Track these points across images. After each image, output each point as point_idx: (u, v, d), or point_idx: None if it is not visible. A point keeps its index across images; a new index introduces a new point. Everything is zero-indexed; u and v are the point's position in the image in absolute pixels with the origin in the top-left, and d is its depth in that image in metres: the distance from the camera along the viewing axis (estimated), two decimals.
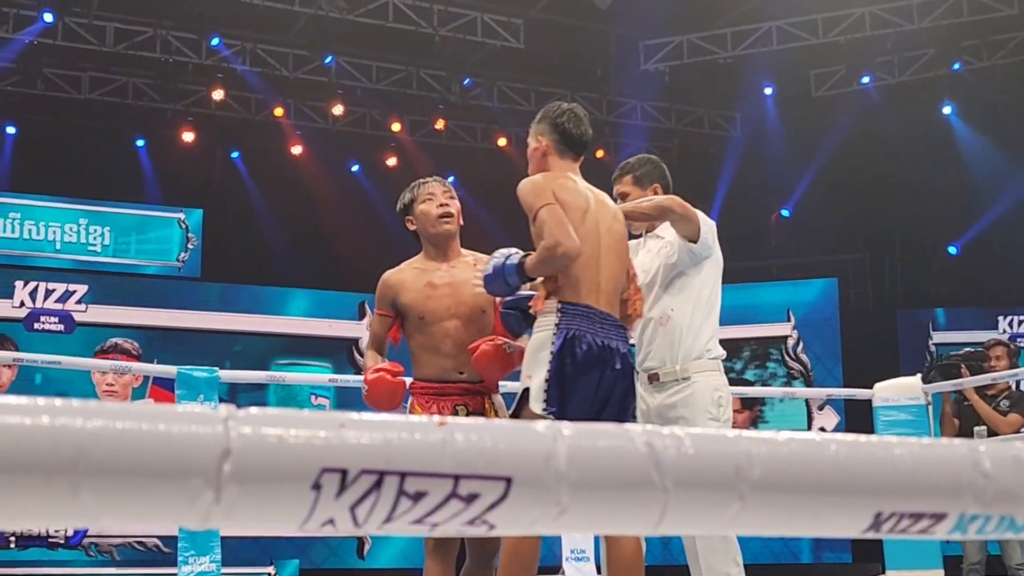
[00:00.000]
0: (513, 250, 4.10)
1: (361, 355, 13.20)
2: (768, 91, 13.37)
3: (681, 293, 4.69)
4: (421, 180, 4.64)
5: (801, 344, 13.07)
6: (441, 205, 4.47)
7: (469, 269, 4.47)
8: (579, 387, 3.83)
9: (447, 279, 4.45)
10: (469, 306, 4.39)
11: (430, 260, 4.53)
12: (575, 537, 6.79)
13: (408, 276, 4.49)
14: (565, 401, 3.81)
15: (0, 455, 1.01)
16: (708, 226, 4.71)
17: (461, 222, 4.51)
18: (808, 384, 12.77)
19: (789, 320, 13.07)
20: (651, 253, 4.83)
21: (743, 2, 12.15)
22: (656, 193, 4.83)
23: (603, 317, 3.92)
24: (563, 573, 6.70)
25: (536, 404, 3.83)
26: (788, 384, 12.88)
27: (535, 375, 3.86)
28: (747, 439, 1.31)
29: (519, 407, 3.91)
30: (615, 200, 4.65)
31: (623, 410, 3.96)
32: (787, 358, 13.03)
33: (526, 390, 3.88)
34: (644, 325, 4.66)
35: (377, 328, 4.55)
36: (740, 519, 1.29)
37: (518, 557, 3.81)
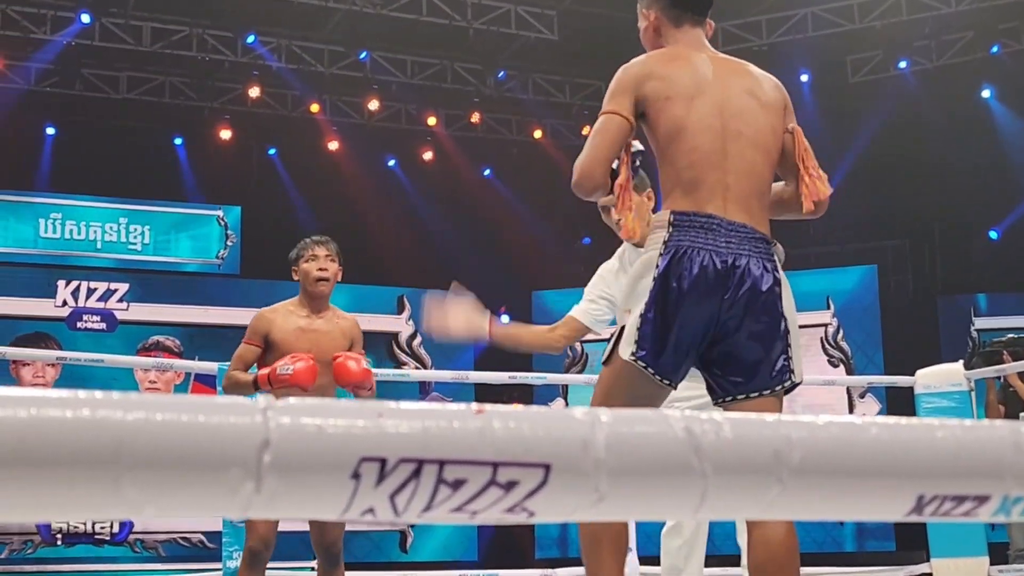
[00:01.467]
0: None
1: (401, 349, 13.25)
2: (804, 78, 13.29)
3: None
4: (311, 239, 5.19)
5: (841, 332, 13.01)
6: (320, 269, 5.04)
7: (331, 323, 5.09)
8: (688, 324, 2.98)
9: (312, 327, 5.02)
10: (323, 357, 4.89)
11: (303, 308, 5.08)
12: None
13: (280, 316, 5.03)
14: (664, 345, 2.99)
15: (43, 448, 1.02)
16: None
17: (339, 279, 5.09)
18: (849, 372, 12.71)
19: (829, 308, 13.00)
20: None
21: None
22: None
23: (731, 228, 3.01)
24: None
25: (626, 348, 3.04)
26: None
27: (633, 309, 3.04)
28: (787, 423, 1.30)
29: (611, 352, 3.14)
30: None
31: (759, 358, 3.02)
32: (827, 346, 12.97)
33: (622, 329, 3.10)
34: None
35: (246, 355, 5.02)
36: (780, 503, 1.29)
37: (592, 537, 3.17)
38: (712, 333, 3.00)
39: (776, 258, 3.12)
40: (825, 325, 13.02)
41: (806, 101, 13.52)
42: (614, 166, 3.13)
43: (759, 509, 1.30)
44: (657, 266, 2.99)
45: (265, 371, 4.78)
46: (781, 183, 3.32)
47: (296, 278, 5.14)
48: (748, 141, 3.10)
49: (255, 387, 4.78)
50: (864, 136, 13.14)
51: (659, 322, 2.97)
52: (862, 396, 12.67)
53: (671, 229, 3.01)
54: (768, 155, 3.14)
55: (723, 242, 2.99)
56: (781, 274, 3.11)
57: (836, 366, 12.90)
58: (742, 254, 3.00)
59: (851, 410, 12.65)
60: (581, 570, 5.83)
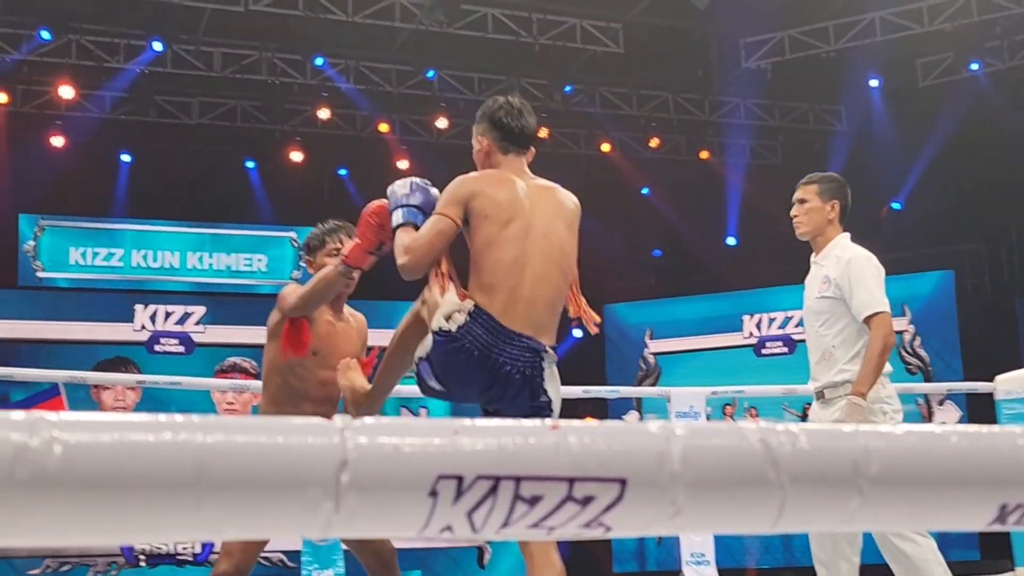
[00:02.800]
0: (418, 191, 3.84)
1: None
2: (874, 83, 13.16)
3: (836, 325, 4.80)
4: (328, 228, 4.66)
5: (918, 339, 12.83)
6: None
7: (349, 328, 4.62)
8: (462, 385, 3.64)
9: (337, 325, 4.57)
10: (343, 356, 4.38)
11: (331, 307, 4.57)
12: (694, 540, 6.75)
13: (315, 314, 4.50)
14: (445, 381, 3.63)
15: (126, 472, 1.04)
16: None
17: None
18: (927, 379, 12.53)
19: (905, 315, 12.83)
20: (812, 284, 4.98)
21: None
22: (833, 210, 4.98)
23: (511, 338, 3.58)
24: None
25: (422, 348, 3.66)
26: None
27: (424, 341, 3.65)
28: (864, 433, 1.29)
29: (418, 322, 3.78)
30: (792, 204, 4.95)
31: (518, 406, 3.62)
32: (904, 354, 12.80)
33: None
34: (814, 356, 4.85)
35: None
36: (860, 514, 1.28)
37: None
38: (477, 397, 3.66)
39: (545, 362, 3.65)
40: (901, 332, 12.86)
41: (876, 106, 13.39)
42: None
43: (839, 520, 1.29)
44: (445, 335, 3.57)
45: (347, 248, 4.21)
46: None
47: (312, 270, 4.57)
48: (548, 259, 3.69)
49: (343, 265, 4.17)
50: (936, 139, 12.97)
51: (443, 387, 3.64)
52: (941, 403, 12.49)
53: (468, 316, 3.57)
54: (562, 270, 3.76)
55: (497, 348, 3.56)
56: (545, 372, 3.65)
57: (914, 374, 12.72)
58: (508, 362, 3.57)
59: (930, 418, 12.47)
60: None
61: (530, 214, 3.71)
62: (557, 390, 3.70)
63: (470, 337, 3.54)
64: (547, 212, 3.78)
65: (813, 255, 5.04)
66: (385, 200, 3.95)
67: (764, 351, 12.82)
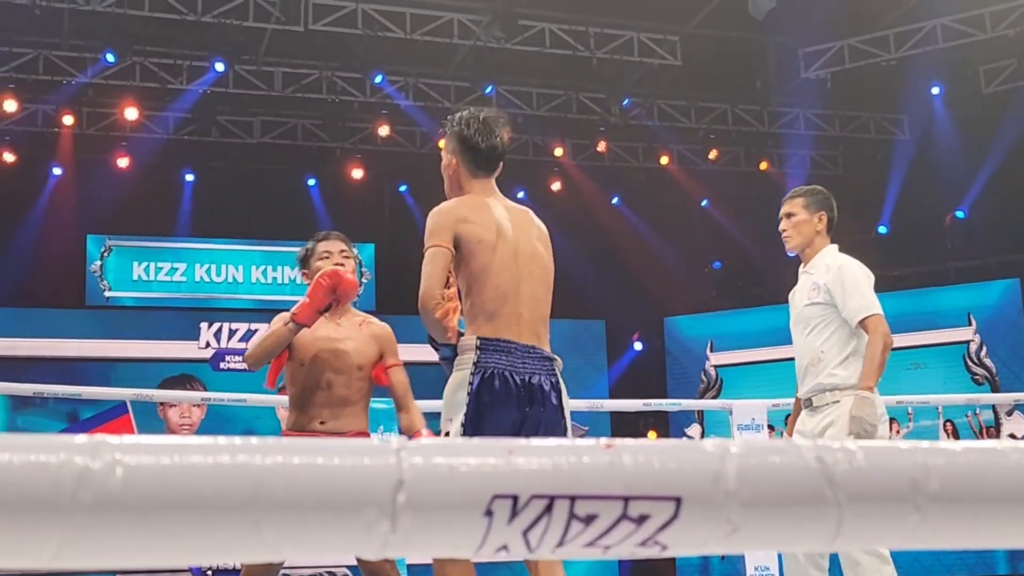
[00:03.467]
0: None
1: None
2: (935, 91, 13.03)
3: (825, 331, 4.85)
4: (322, 234, 4.77)
5: (984, 348, 12.66)
6: (337, 265, 4.57)
7: (354, 328, 4.64)
8: (498, 429, 3.61)
9: (332, 335, 4.58)
10: (346, 363, 4.53)
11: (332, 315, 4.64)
12: (758, 554, 6.70)
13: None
14: (482, 432, 3.64)
15: (186, 494, 1.05)
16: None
17: (365, 280, 4.43)
18: (994, 389, 12.36)
19: (970, 324, 12.67)
20: (801, 292, 5.03)
21: (904, 2, 11.87)
22: (821, 221, 5.04)
23: (525, 351, 3.72)
24: None
25: None
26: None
27: (454, 418, 3.68)
28: (922, 450, 1.28)
29: None
30: (780, 219, 5.01)
31: None
32: (970, 364, 12.63)
33: (446, 434, 3.71)
34: (802, 365, 4.89)
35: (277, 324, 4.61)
36: (919, 532, 1.27)
37: None
38: (523, 435, 3.58)
39: (556, 370, 3.81)
40: (967, 342, 12.70)
41: (938, 114, 13.26)
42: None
43: (898, 538, 1.28)
44: (471, 383, 3.65)
45: (297, 307, 4.40)
46: None
47: (307, 280, 4.66)
48: (536, 279, 3.84)
49: (291, 321, 4.39)
50: (1000, 146, 12.82)
51: (477, 431, 3.62)
52: (1009, 414, 12.31)
53: (478, 352, 3.68)
54: (549, 288, 3.90)
55: (519, 363, 3.70)
56: (559, 380, 3.81)
57: (981, 384, 12.56)
58: (535, 371, 3.72)
59: (998, 429, 12.30)
60: None
61: (515, 237, 3.83)
62: (567, 399, 3.86)
63: (490, 364, 3.66)
64: (529, 234, 3.91)
65: (801, 266, 5.10)
66: (338, 267, 4.29)
67: None
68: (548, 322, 3.87)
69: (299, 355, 4.57)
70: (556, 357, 3.83)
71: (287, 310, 4.51)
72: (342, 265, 4.58)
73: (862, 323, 4.76)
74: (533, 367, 3.72)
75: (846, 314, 4.79)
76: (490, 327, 3.72)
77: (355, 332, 4.64)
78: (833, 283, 4.85)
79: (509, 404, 3.64)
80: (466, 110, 4.00)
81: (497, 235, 3.79)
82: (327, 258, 4.63)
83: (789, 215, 5.06)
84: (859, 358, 4.79)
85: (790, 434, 5.04)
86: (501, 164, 3.99)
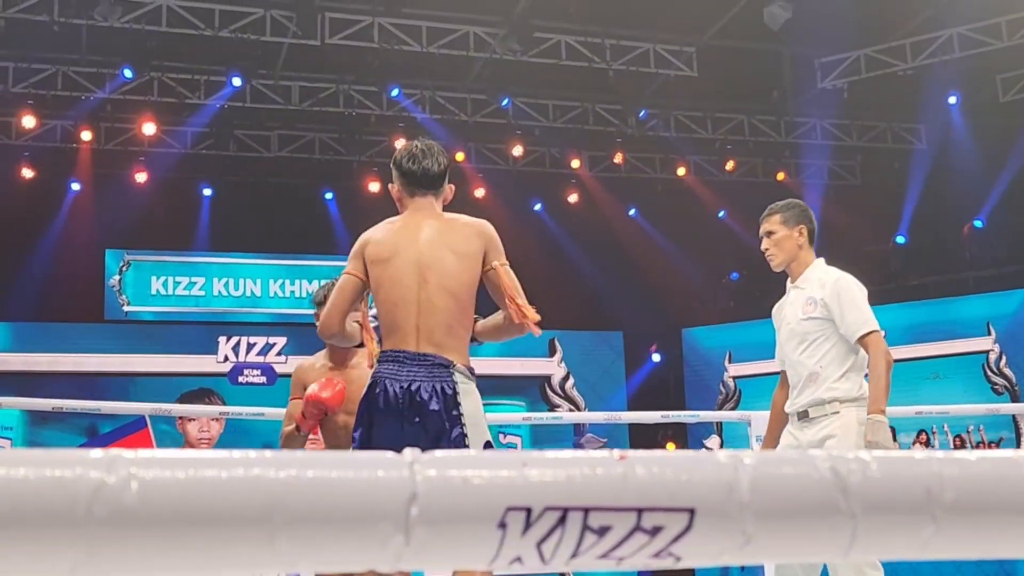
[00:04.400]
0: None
1: (554, 391, 13.26)
2: (952, 100, 12.99)
3: (824, 346, 4.84)
4: (333, 283, 4.84)
5: (1004, 358, 12.61)
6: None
7: (361, 369, 4.89)
8: (384, 432, 3.82)
9: (344, 380, 4.87)
10: (356, 404, 4.62)
11: (333, 359, 5.04)
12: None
13: (314, 369, 5.03)
14: (370, 443, 3.85)
15: (201, 508, 1.06)
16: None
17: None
18: (1014, 399, 12.30)
19: (990, 334, 12.61)
20: (795, 306, 5.00)
21: (921, 11, 11.85)
22: (801, 235, 5.01)
23: (417, 359, 3.86)
24: None
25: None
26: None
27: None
28: (937, 460, 1.28)
29: None
30: (762, 237, 5.05)
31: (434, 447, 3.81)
32: (990, 373, 12.58)
33: None
34: (795, 379, 4.88)
35: (293, 410, 4.98)
36: (935, 543, 1.26)
37: None
38: (405, 439, 3.70)
39: (456, 376, 3.87)
40: (987, 352, 12.64)
41: (956, 123, 13.22)
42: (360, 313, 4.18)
43: (913, 549, 1.27)
44: (364, 394, 3.90)
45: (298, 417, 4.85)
46: (500, 312, 4.13)
47: (318, 322, 4.90)
48: (433, 287, 3.91)
49: (298, 430, 4.84)
50: (1019, 155, 12.78)
51: (367, 431, 3.86)
52: None
53: (377, 364, 3.94)
54: (456, 296, 3.94)
55: (404, 371, 3.85)
56: (459, 386, 3.86)
57: (1000, 394, 12.50)
58: (416, 380, 3.83)
59: (1018, 439, 12.23)
60: None
61: (419, 248, 3.97)
62: (475, 405, 3.90)
63: (382, 375, 3.87)
64: (435, 243, 3.99)
65: (789, 281, 5.09)
66: (324, 391, 4.65)
67: None
68: (455, 328, 3.93)
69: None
70: (454, 363, 3.89)
71: (306, 324, 4.73)
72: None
73: (861, 340, 4.74)
74: (416, 375, 3.84)
75: (844, 329, 4.77)
76: (388, 340, 3.94)
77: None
78: (830, 297, 4.83)
79: (389, 411, 3.82)
80: (406, 143, 4.30)
81: (392, 249, 3.99)
82: None
83: (769, 233, 5.06)
84: (858, 371, 4.79)
85: (772, 447, 5.02)
86: (447, 187, 4.21)
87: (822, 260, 5.05)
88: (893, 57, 12.27)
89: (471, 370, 3.95)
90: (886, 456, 1.25)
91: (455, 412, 3.84)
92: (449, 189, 4.23)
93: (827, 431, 4.71)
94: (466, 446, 3.82)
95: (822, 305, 4.83)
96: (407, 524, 1.09)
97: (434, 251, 3.98)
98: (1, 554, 1.02)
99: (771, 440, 5.05)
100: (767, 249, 5.06)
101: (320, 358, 5.10)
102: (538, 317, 4.07)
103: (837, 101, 12.90)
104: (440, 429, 3.80)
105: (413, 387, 3.82)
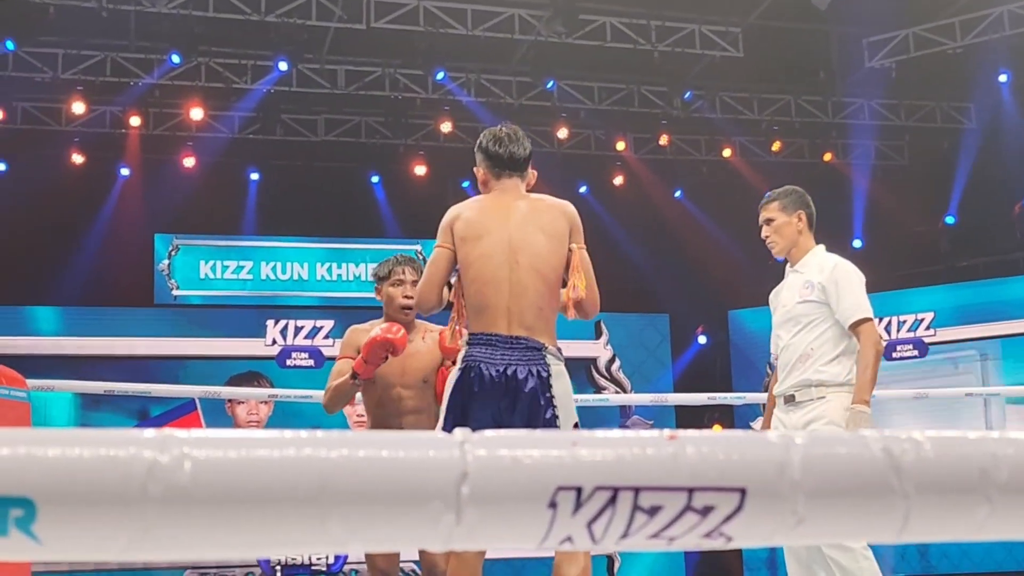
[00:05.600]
0: None
1: (600, 374, 13.26)
2: (1003, 78, 12.83)
3: (817, 329, 4.84)
4: (396, 259, 5.07)
5: None
6: (406, 296, 4.90)
7: (419, 343, 4.94)
8: (476, 419, 3.83)
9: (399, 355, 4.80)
10: (413, 377, 4.86)
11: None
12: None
13: (369, 334, 4.84)
14: (464, 421, 3.85)
15: (253, 487, 1.06)
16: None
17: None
18: None
19: None
20: (792, 290, 5.02)
21: None
22: (800, 220, 5.05)
23: (510, 342, 3.90)
24: None
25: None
26: None
27: (441, 409, 3.99)
28: (992, 440, 1.27)
29: None
30: (762, 225, 5.10)
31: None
32: None
33: None
34: (786, 362, 4.88)
35: (342, 367, 4.97)
36: (990, 523, 1.25)
37: None
38: (501, 425, 3.67)
39: (549, 358, 3.94)
40: None
41: (1006, 102, 13.06)
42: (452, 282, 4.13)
43: (968, 530, 1.26)
44: (455, 378, 3.90)
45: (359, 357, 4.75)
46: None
47: (380, 298, 5.10)
48: (524, 268, 3.94)
49: (352, 376, 4.76)
50: None
51: (454, 422, 3.80)
52: None
53: (467, 347, 3.95)
54: (545, 277, 3.98)
55: (499, 355, 3.88)
56: (552, 368, 3.93)
57: None
58: (512, 363, 3.85)
59: None
60: None
61: (509, 228, 4.00)
62: (565, 387, 3.95)
63: (473, 359, 3.89)
64: (526, 224, 4.03)
65: (789, 266, 5.11)
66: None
67: (894, 355, 12.57)
68: (544, 310, 3.97)
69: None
70: (548, 346, 3.95)
71: (353, 307, 4.77)
72: (410, 297, 4.85)
73: (855, 327, 4.73)
74: (512, 358, 3.88)
75: (839, 314, 4.78)
76: (478, 321, 3.96)
77: (420, 345, 4.96)
78: (828, 282, 4.84)
79: (484, 396, 3.84)
80: (490, 128, 4.36)
81: (483, 227, 4.02)
82: (400, 285, 4.96)
83: (768, 221, 5.10)
84: (849, 357, 4.78)
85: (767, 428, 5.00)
86: (531, 171, 4.27)
87: (822, 247, 5.07)
88: (942, 35, 12.12)
89: (559, 351, 4.00)
90: (940, 436, 1.24)
91: (548, 394, 3.88)
92: (532, 174, 4.27)
93: (812, 415, 4.70)
94: (557, 427, 3.85)
95: (819, 289, 4.85)
96: (458, 503, 1.09)
97: (525, 232, 4.00)
98: (59, 532, 1.04)
99: (766, 423, 5.06)
100: (767, 236, 5.11)
101: (375, 326, 5.02)
102: (582, 295, 4.06)
103: (885, 81, 12.76)
104: (534, 411, 3.84)
105: (509, 371, 3.86)
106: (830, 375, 4.73)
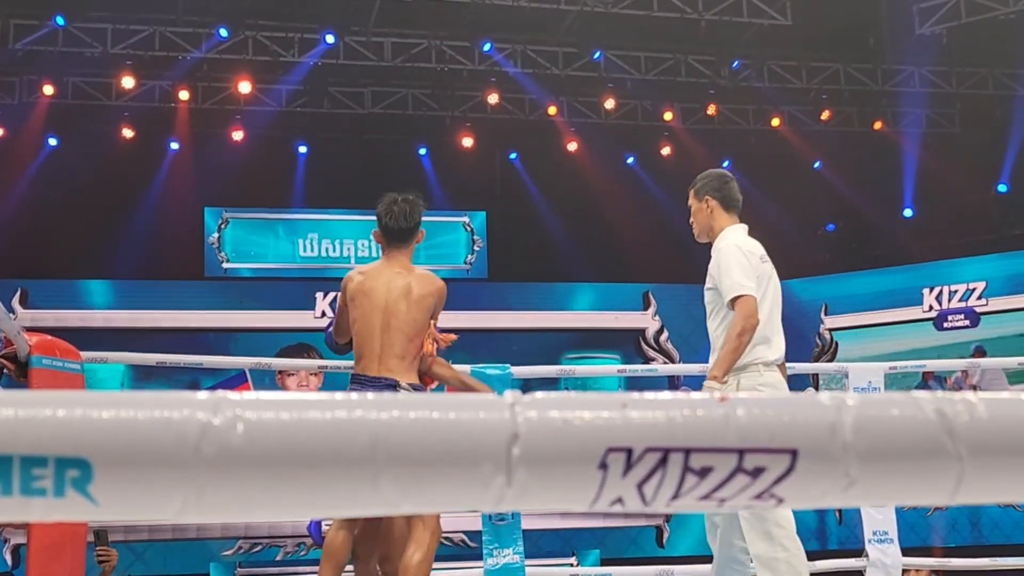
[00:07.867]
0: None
1: (648, 344, 13.23)
2: None
3: (718, 316, 4.98)
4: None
5: None
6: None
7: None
8: None
9: None
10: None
11: None
12: (876, 518, 6.61)
13: None
14: None
15: (305, 448, 1.07)
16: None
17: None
18: None
19: None
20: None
21: None
22: (709, 205, 5.10)
23: (373, 381, 4.84)
24: (866, 556, 6.52)
25: None
26: None
27: None
28: None
29: None
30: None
31: None
32: None
33: None
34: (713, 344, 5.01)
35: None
36: None
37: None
38: None
39: (401, 391, 4.58)
40: None
41: None
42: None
43: (1022, 492, 1.25)
44: None
45: None
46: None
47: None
48: (395, 327, 4.92)
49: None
50: None
51: None
52: None
53: (350, 384, 4.97)
54: (407, 335, 4.94)
55: (368, 389, 4.80)
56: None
57: None
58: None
59: None
60: (842, 562, 5.69)
61: (384, 294, 4.94)
62: None
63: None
64: (395, 291, 4.96)
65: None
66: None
67: (946, 324, 12.46)
68: (405, 359, 4.91)
69: None
70: (404, 385, 4.85)
71: None
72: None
73: (731, 306, 4.77)
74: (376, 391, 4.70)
75: (724, 298, 4.82)
76: (357, 365, 4.96)
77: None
78: (714, 267, 4.93)
79: None
80: (386, 197, 5.26)
81: (365, 292, 4.95)
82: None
83: (689, 208, 5.14)
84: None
85: None
86: (405, 238, 5.13)
87: (735, 228, 5.09)
88: (994, 1, 11.96)
89: (412, 387, 4.88)
90: (995, 398, 1.22)
91: None
92: (420, 235, 5.19)
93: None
94: None
95: (710, 276, 4.86)
96: (509, 465, 1.09)
97: (395, 298, 4.94)
98: (114, 493, 1.05)
99: None
100: (691, 223, 5.14)
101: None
102: (432, 351, 5.07)
103: (936, 47, 12.61)
104: None
105: None
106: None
